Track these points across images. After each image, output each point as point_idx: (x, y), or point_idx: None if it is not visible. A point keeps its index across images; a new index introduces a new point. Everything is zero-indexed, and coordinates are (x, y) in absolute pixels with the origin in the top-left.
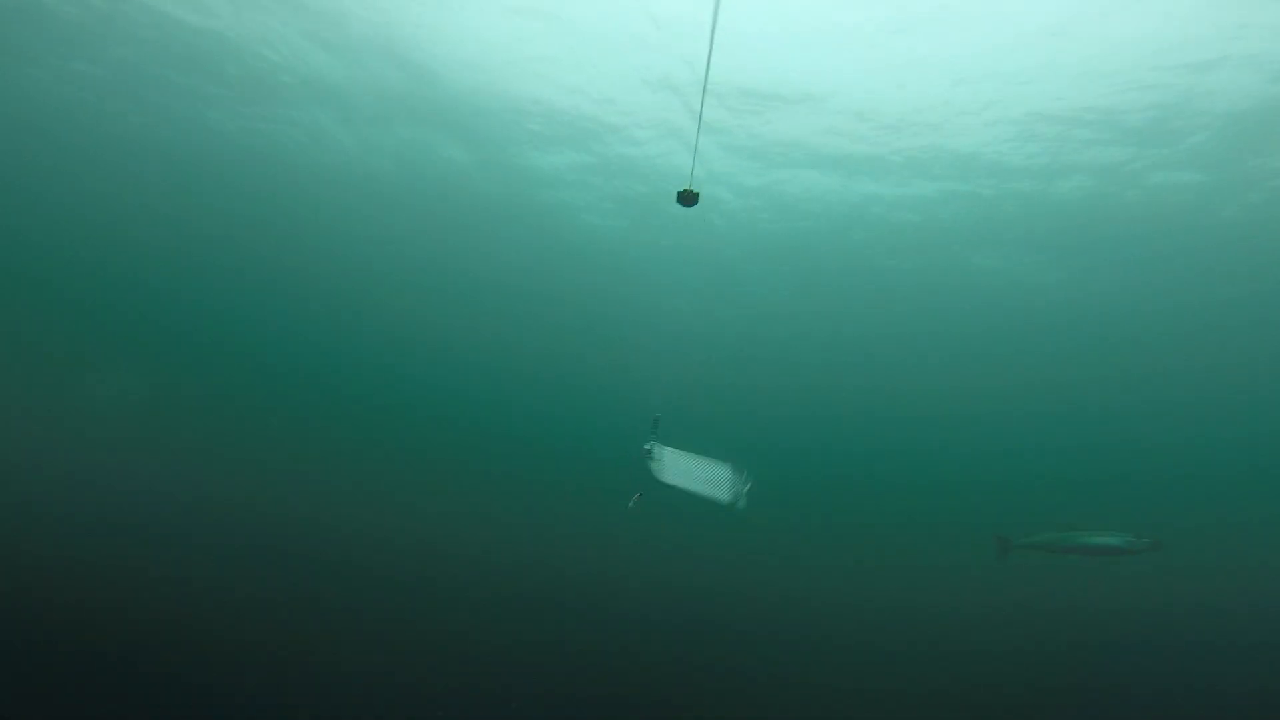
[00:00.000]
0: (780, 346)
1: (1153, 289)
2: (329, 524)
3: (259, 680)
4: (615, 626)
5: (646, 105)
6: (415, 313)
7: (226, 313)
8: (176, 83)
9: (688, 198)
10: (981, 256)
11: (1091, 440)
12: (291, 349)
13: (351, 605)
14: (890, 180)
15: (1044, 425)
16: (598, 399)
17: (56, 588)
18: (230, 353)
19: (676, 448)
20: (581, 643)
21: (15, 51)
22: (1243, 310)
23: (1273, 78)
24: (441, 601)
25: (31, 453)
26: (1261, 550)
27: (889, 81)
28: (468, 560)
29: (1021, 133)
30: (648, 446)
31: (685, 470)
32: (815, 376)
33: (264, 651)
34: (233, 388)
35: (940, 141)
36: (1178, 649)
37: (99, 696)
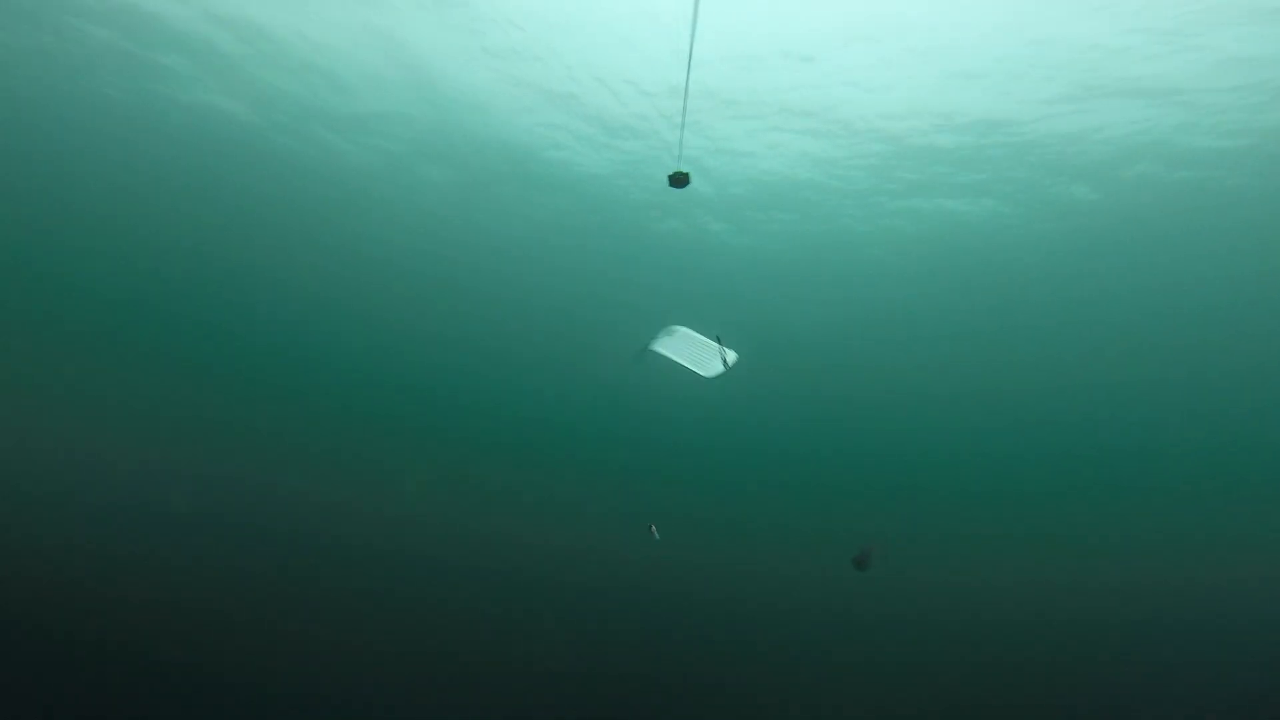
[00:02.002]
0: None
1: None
2: (329, 507)
3: (254, 660)
4: (617, 608)
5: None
6: (408, 299)
7: (221, 303)
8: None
9: (679, 180)
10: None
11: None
12: (289, 336)
13: (350, 587)
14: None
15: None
16: (594, 389)
17: (52, 573)
18: (226, 343)
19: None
20: (582, 624)
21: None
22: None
23: None
24: (438, 581)
25: (28, 442)
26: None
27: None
28: (467, 541)
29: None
30: (649, 346)
31: (677, 346)
32: (810, 369)
33: (262, 632)
34: (227, 376)
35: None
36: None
37: (93, 678)
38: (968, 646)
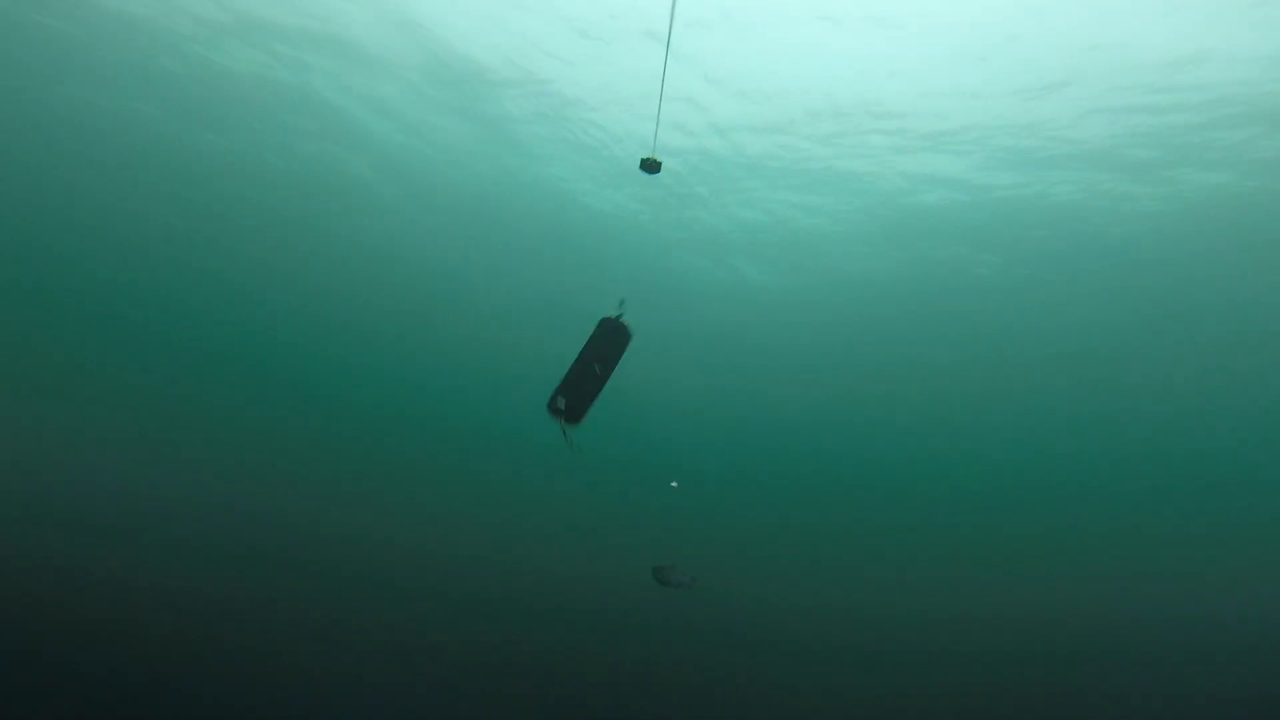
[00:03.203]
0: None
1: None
2: (302, 523)
3: (232, 678)
4: (588, 625)
5: None
6: (392, 311)
7: (210, 312)
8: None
9: (651, 165)
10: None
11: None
12: (273, 349)
13: (323, 604)
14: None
15: (1031, 429)
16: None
17: (38, 588)
18: (211, 354)
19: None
20: (555, 641)
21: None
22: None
23: None
24: (413, 599)
25: (18, 454)
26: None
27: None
28: (441, 558)
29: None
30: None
31: (588, 375)
32: (803, 376)
33: (239, 650)
34: (213, 388)
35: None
36: (1153, 655)
37: (75, 696)
38: (940, 669)
